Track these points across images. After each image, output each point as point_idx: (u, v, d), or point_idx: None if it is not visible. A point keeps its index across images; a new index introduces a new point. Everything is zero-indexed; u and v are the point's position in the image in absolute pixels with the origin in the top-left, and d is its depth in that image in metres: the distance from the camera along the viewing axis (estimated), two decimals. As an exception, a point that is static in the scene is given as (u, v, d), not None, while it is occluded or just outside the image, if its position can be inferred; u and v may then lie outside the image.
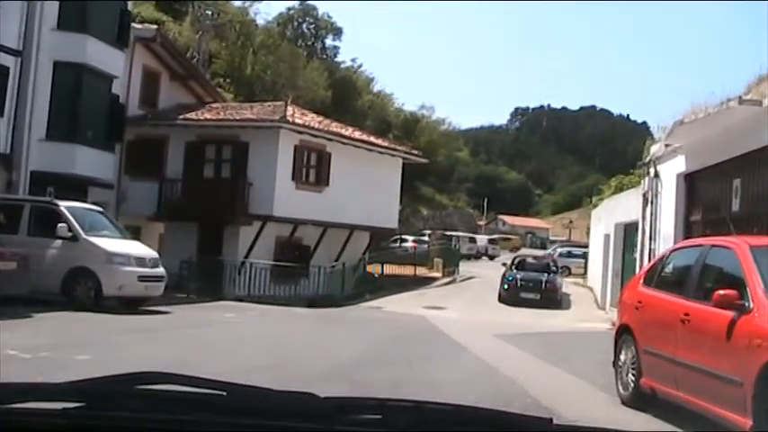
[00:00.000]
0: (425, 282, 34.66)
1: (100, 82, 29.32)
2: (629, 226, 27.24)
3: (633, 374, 10.28)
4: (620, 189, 35.65)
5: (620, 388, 10.70)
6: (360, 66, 78.49)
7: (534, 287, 30.73)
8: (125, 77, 31.32)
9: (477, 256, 65.27)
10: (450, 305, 27.80)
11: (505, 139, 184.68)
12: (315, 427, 2.31)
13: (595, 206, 39.08)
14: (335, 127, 33.76)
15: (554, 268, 34.52)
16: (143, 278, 20.86)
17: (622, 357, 10.78)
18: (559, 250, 55.60)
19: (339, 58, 78.01)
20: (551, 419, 2.55)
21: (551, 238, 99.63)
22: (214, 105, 34.54)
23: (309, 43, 73.14)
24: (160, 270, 21.85)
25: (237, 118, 31.64)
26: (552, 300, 30.29)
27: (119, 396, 2.43)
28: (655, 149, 23.88)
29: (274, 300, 27.71)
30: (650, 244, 23.41)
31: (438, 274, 37.15)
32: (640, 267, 24.56)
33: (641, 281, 11.24)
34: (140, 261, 21.10)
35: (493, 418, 2.64)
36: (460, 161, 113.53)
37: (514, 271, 32.64)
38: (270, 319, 22.15)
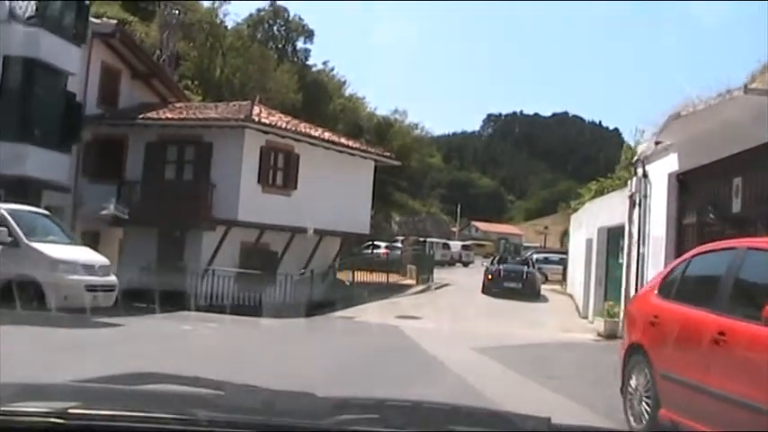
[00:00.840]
0: (399, 289, 32.88)
1: (54, 79, 27.55)
2: (614, 230, 25.66)
3: (647, 404, 8.54)
4: (600, 192, 34.07)
5: (632, 419, 8.93)
6: (332, 69, 77.02)
7: (516, 277, 34.11)
8: (82, 75, 29.50)
9: (451, 263, 63.59)
10: (426, 314, 26.05)
11: (478, 146, 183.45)
12: (313, 425, 2.27)
13: (575, 210, 37.47)
14: (304, 127, 32.00)
15: (532, 264, 39.11)
16: (91, 287, 19.01)
17: (633, 383, 9.01)
18: (536, 256, 53.89)
19: (310, 61, 76.49)
20: (549, 419, 2.47)
21: (525, 244, 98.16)
22: (177, 105, 32.68)
23: (280, 45, 71.28)
24: (111, 279, 20.01)
25: (201, 117, 29.80)
26: (532, 289, 33.52)
27: (117, 395, 2.53)
28: (643, 148, 22.28)
29: (239, 309, 25.91)
30: (639, 248, 21.79)
31: (412, 282, 35.40)
32: (627, 273, 22.99)
33: (655, 291, 9.40)
34: (89, 269, 19.25)
35: (490, 418, 2.64)
36: (433, 167, 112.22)
37: (498, 265, 36.60)
38: (230, 332, 20.35)
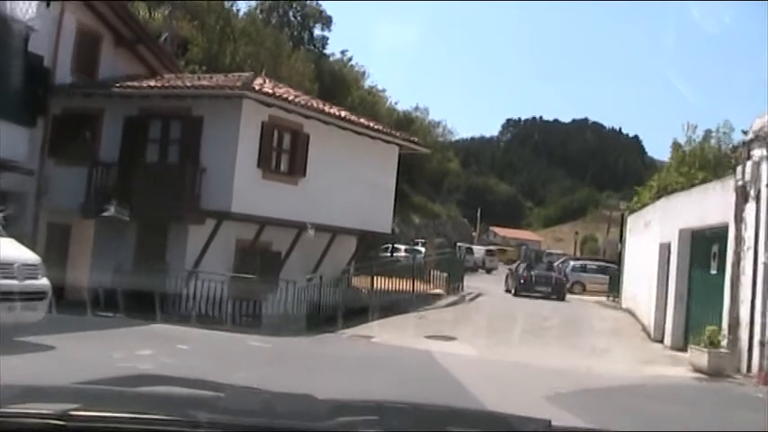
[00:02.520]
0: (426, 300, 26.88)
1: (10, 34, 21.86)
2: (701, 233, 19.81)
3: None
4: (664, 189, 28.12)
5: None
6: (350, 59, 71.04)
7: (546, 282, 36.01)
8: (52, 35, 23.88)
9: (474, 269, 57.94)
10: (463, 334, 20.18)
11: (496, 151, 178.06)
12: (313, 427, 2.27)
13: (633, 211, 31.52)
14: (317, 103, 26.19)
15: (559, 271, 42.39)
16: (5, 297, 13.11)
17: None
18: (572, 263, 48.10)
19: (328, 50, 70.55)
20: (549, 422, 2.45)
21: (547, 251, 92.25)
22: (166, 76, 26.83)
23: (296, 32, 65.52)
24: (39, 283, 14.13)
25: (189, 85, 24.00)
26: (560, 293, 35.20)
27: (118, 397, 2.48)
28: (762, 122, 16.41)
29: (230, 323, 20.26)
30: (751, 256, 15.96)
31: (440, 291, 29.39)
32: (733, 289, 17.11)
33: None
34: (4, 269, 13.40)
35: (491, 420, 2.58)
36: (451, 172, 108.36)
37: (528, 270, 37.92)
38: (201, 359, 14.39)
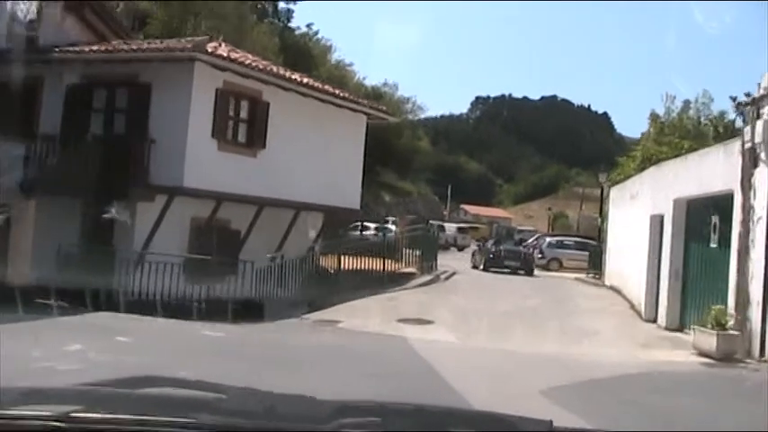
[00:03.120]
0: (398, 280, 24.80)
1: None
2: (699, 203, 17.94)
3: None
4: (648, 159, 26.32)
5: None
6: (316, 33, 68.52)
7: (515, 257, 36.18)
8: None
9: (446, 247, 55.94)
10: (440, 318, 18.18)
11: (466, 129, 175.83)
12: (314, 429, 2.26)
13: (616, 183, 29.63)
14: (277, 68, 24.04)
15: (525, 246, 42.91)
16: None
17: None
18: (548, 240, 46.18)
19: (293, 24, 67.92)
20: (551, 422, 2.41)
21: (519, 227, 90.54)
22: (114, 42, 24.51)
23: (259, 5, 62.93)
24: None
25: (135, 48, 21.77)
26: (528, 268, 35.29)
27: (119, 399, 2.46)
28: (773, 78, 14.53)
29: (182, 310, 18.14)
30: (763, 227, 14.11)
31: (413, 270, 27.33)
32: (740, 264, 15.25)
33: None
34: None
35: (493, 421, 2.56)
36: (421, 150, 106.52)
37: (497, 246, 38.47)
38: (139, 354, 12.22)
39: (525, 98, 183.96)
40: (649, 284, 20.31)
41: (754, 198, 14.66)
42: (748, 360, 13.99)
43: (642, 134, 41.10)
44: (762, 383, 11.96)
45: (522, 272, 34.37)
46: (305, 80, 24.32)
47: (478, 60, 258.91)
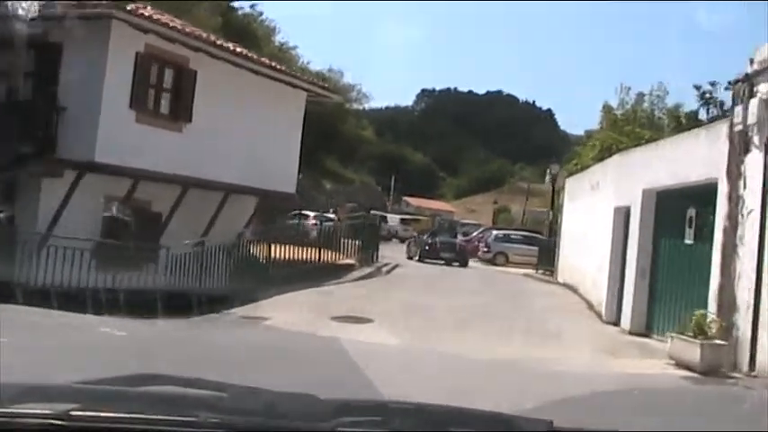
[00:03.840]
0: (336, 272, 22.48)
1: None
2: (672, 194, 15.98)
3: None
4: (608, 149, 24.39)
5: None
6: (260, 13, 65.79)
7: (450, 249, 36.30)
8: None
9: (388, 238, 54.02)
10: (379, 315, 15.93)
11: (411, 121, 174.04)
12: (315, 428, 2.24)
13: (571, 173, 27.66)
14: (208, 35, 21.60)
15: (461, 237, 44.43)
16: None
17: None
18: (494, 233, 44.23)
19: (236, 3, 65.07)
20: (551, 422, 2.38)
21: (463, 221, 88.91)
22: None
23: (200, -18, 60.16)
24: None
25: (44, 2, 19.16)
26: (463, 259, 35.55)
27: (119, 397, 2.44)
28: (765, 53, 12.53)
29: (87, 302, 15.63)
30: (755, 221, 12.17)
31: (352, 262, 25.07)
32: (724, 263, 13.27)
33: None
34: None
35: (493, 421, 2.58)
36: (365, 140, 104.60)
37: (433, 237, 38.34)
38: (9, 357, 9.87)
39: (471, 92, 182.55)
40: (611, 283, 18.32)
41: (744, 188, 12.66)
42: (736, 374, 11.99)
43: (585, 131, 39.37)
44: (763, 405, 9.94)
45: (456, 263, 34.28)
46: (238, 49, 21.92)
47: (425, 53, 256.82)
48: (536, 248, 35.36)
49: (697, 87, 23.86)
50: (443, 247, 35.89)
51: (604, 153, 23.87)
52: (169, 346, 11.30)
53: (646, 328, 16.39)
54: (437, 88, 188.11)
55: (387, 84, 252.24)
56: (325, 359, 10.88)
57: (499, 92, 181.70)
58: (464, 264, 34.90)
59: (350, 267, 23.81)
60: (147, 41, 18.76)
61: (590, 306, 19.98)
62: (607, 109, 37.11)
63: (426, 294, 19.94)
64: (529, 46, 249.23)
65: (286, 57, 61.18)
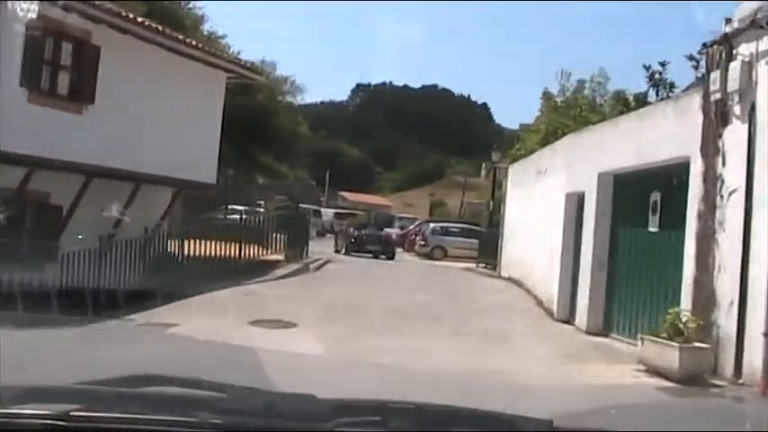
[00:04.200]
0: (260, 269, 20.22)
1: None
2: (632, 176, 14.22)
3: None
4: (553, 133, 22.61)
5: None
6: (188, 2, 62.89)
7: (376, 241, 35.77)
8: None
9: (322, 233, 51.99)
10: (304, 318, 13.80)
11: (346, 116, 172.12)
12: (314, 428, 2.26)
13: (515, 159, 25.79)
14: (113, 5, 19.26)
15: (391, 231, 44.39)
16: None
17: None
18: (431, 226, 42.28)
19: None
20: (551, 421, 2.40)
21: (399, 215, 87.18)
22: None
23: (124, -33, 57.46)
24: None
25: None
26: (390, 251, 35.18)
27: (119, 398, 2.43)
28: (756, 5, 10.72)
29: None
30: (738, 202, 10.37)
31: (279, 257, 22.88)
32: (699, 251, 11.47)
33: None
34: None
35: (492, 420, 2.59)
36: (300, 136, 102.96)
37: (360, 230, 38.47)
38: None
39: (406, 86, 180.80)
40: (563, 277, 16.48)
41: (723, 166, 10.83)
42: (719, 382, 10.15)
43: (521, 124, 37.69)
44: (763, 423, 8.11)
45: (383, 256, 34.05)
46: (147, 22, 19.66)
47: (360, 47, 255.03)
48: (476, 241, 33.57)
49: (646, 68, 22.14)
50: (369, 240, 35.63)
51: (549, 137, 22.11)
52: (41, 362, 9.14)
53: (604, 326, 14.59)
54: (372, 83, 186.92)
55: (322, 79, 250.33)
56: (234, 376, 8.68)
57: (434, 86, 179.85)
58: (391, 256, 34.68)
59: (276, 263, 21.61)
60: (39, 11, 16.37)
61: (539, 303, 18.12)
62: (547, 96, 35.44)
63: (359, 293, 17.89)
64: (464, 40, 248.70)
65: (214, 46, 58.44)
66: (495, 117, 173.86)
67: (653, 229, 13.34)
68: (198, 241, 20.37)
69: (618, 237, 14.74)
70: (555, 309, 16.64)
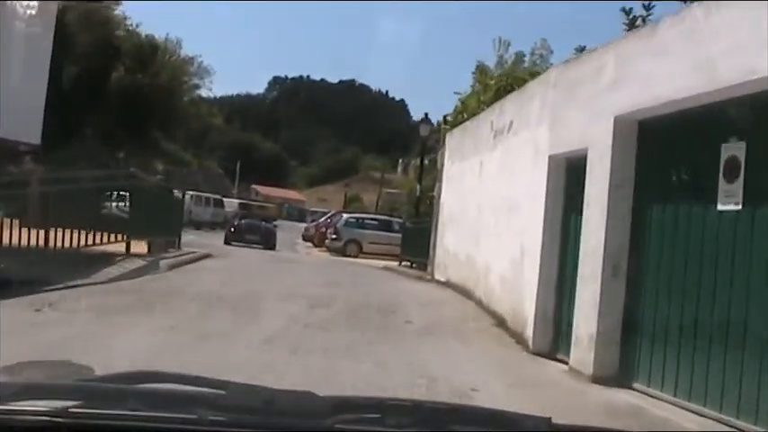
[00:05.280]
0: (91, 264, 13.44)
1: None
2: (674, 121, 8.05)
3: None
4: (508, 89, 16.52)
5: None
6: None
7: (255, 231, 35.68)
8: None
9: (223, 224, 46.28)
10: (104, 360, 7.41)
11: (262, 109, 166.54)
12: (314, 425, 2.15)
13: (453, 124, 19.49)
14: None
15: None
16: None
17: None
18: (344, 216, 35.97)
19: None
20: (549, 419, 2.27)
21: (312, 209, 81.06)
22: None
23: None
24: None
25: None
26: (269, 242, 34.98)
27: (118, 395, 2.31)
28: None
29: None
30: None
31: (141, 250, 16.26)
32: None
33: None
34: None
35: (491, 418, 2.49)
36: (214, 128, 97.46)
37: (240, 220, 38.12)
38: None
39: (323, 80, 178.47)
40: (543, 286, 10.34)
41: None
42: None
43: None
44: None
45: (260, 246, 33.38)
46: None
47: (278, 40, 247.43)
48: (397, 236, 27.48)
49: (626, 11, 16.03)
50: (249, 230, 35.33)
51: (502, 95, 16.04)
52: None
53: (621, 370, 8.52)
54: (289, 76, 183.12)
55: (237, 71, 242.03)
56: None
57: (352, 81, 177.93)
58: (270, 247, 34.16)
59: (118, 258, 14.85)
60: None
61: (500, 323, 11.85)
62: (481, 69, 29.26)
63: (229, 307, 11.33)
64: (382, 35, 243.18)
65: (100, 15, 50.96)
66: (412, 113, 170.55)
67: (728, 206, 7.29)
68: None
69: (647, 222, 8.61)
70: (529, 334, 10.46)
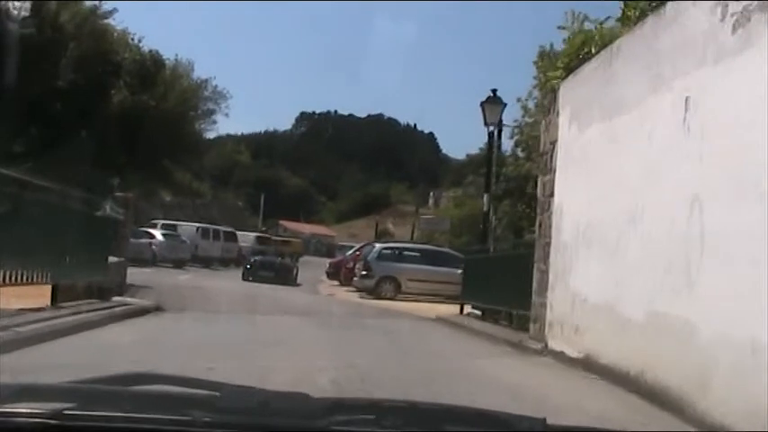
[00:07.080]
0: None
1: None
2: None
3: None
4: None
5: None
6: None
7: (271, 267, 33.35)
8: None
9: (239, 263, 39.07)
10: None
11: (289, 144, 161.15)
12: (309, 426, 2.10)
13: (561, 74, 11.01)
14: None
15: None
16: None
17: None
18: (378, 247, 27.53)
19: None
20: (544, 419, 2.21)
21: (341, 243, 73.96)
22: None
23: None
24: None
25: None
26: (287, 277, 32.68)
27: (113, 397, 2.28)
28: None
29: None
30: None
31: (42, 301, 8.66)
32: None
33: None
34: None
35: (486, 418, 2.41)
36: (240, 164, 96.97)
37: (256, 256, 36.32)
38: None
39: (351, 115, 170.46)
40: None
41: None
42: None
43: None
44: None
45: (279, 282, 30.70)
46: None
47: (304, 76, 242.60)
48: (449, 270, 19.55)
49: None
50: (264, 266, 33.57)
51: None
52: None
53: None
54: (317, 111, 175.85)
55: (264, 108, 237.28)
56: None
57: (380, 115, 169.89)
58: (288, 282, 32.19)
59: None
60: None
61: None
62: (544, 54, 21.27)
63: None
64: (412, 70, 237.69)
65: (98, 25, 43.52)
66: (441, 146, 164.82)
67: None
68: None
69: None
70: None
